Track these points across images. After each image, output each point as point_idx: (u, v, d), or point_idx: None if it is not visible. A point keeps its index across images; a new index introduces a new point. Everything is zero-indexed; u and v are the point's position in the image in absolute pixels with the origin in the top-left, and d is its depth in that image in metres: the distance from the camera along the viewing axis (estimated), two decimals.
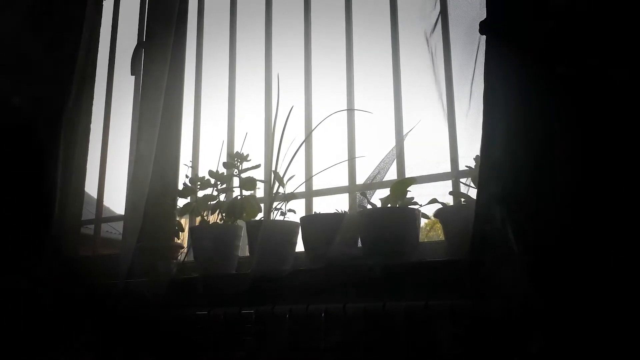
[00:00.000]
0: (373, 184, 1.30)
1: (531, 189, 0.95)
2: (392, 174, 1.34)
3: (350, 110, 1.47)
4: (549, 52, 0.98)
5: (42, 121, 1.66)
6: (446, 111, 1.34)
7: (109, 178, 1.81)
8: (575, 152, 0.93)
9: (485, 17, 1.08)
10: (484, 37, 1.08)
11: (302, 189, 1.46)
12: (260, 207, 1.43)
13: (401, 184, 1.26)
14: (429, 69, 1.30)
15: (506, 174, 0.97)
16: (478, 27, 1.08)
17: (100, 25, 1.93)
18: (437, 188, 1.32)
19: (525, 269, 0.92)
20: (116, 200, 2.26)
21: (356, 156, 1.45)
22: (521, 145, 0.97)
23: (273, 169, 1.39)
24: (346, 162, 1.45)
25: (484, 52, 1.05)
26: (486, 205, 1.00)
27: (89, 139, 1.73)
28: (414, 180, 1.27)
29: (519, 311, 0.93)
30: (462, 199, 1.25)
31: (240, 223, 1.42)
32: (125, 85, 1.83)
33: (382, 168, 1.30)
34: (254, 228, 1.34)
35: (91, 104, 1.81)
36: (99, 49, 1.93)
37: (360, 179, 1.42)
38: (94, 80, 1.85)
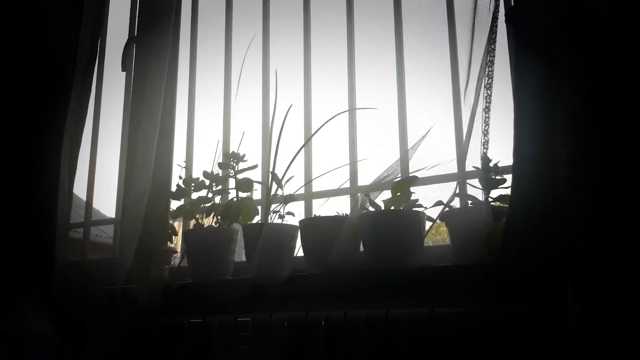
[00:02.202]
0: (375, 185, 1.30)
1: (568, 189, 0.93)
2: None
3: (353, 110, 1.47)
4: (583, 42, 0.96)
5: (31, 119, 1.65)
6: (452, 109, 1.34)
7: (97, 179, 1.81)
8: (616, 148, 0.91)
9: (512, 4, 1.07)
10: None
11: (302, 190, 1.46)
12: (258, 210, 1.43)
13: (402, 184, 1.26)
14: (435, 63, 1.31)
15: (541, 174, 0.96)
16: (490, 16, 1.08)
17: (106, 18, 1.92)
18: (443, 190, 1.32)
19: (562, 275, 0.91)
20: (105, 203, 2.26)
21: (358, 156, 1.45)
22: (557, 141, 0.95)
23: (271, 169, 1.39)
24: (348, 163, 1.45)
25: (513, 44, 1.04)
26: (519, 207, 0.99)
27: (82, 136, 1.71)
28: (415, 180, 1.26)
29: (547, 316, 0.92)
30: (469, 201, 1.25)
31: (237, 226, 1.42)
32: (116, 82, 1.84)
33: (387, 176, 1.29)
34: (251, 232, 1.34)
35: (87, 101, 1.77)
36: None
37: (362, 180, 1.42)
38: (92, 74, 1.80)
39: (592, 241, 0.89)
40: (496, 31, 1.11)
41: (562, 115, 0.96)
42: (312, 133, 1.49)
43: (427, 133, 1.30)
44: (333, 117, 1.43)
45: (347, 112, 1.47)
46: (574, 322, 0.87)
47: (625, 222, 0.88)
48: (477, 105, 1.17)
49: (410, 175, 1.29)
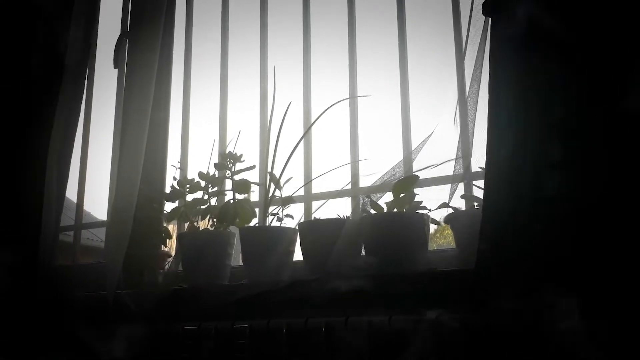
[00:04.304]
0: (376, 186, 1.30)
1: (545, 190, 0.94)
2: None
3: (353, 98, 1.47)
4: (561, 33, 0.97)
5: (21, 115, 1.66)
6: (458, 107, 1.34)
7: (89, 180, 1.82)
8: (595, 146, 0.92)
9: None
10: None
11: (301, 192, 1.46)
12: (255, 212, 1.43)
13: (403, 184, 1.25)
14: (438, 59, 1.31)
15: (514, 174, 0.97)
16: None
17: (98, 12, 1.92)
18: (448, 191, 1.32)
19: (537, 280, 0.92)
20: (97, 205, 2.27)
21: (360, 156, 1.45)
22: (532, 141, 0.96)
23: (269, 170, 1.39)
24: (348, 163, 1.45)
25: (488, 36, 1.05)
26: (494, 209, 1.00)
27: (75, 135, 1.71)
28: (416, 179, 1.26)
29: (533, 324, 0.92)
30: (476, 203, 1.25)
31: (233, 229, 1.42)
32: (108, 79, 1.84)
33: (389, 177, 1.29)
34: (248, 235, 1.35)
35: (80, 100, 1.76)
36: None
37: (363, 181, 1.43)
38: (85, 72, 1.80)
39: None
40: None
41: (541, 117, 0.97)
42: (312, 122, 1.48)
43: (431, 134, 1.30)
44: (333, 104, 1.43)
45: (349, 112, 1.48)
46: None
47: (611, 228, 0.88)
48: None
49: (413, 174, 1.29)
